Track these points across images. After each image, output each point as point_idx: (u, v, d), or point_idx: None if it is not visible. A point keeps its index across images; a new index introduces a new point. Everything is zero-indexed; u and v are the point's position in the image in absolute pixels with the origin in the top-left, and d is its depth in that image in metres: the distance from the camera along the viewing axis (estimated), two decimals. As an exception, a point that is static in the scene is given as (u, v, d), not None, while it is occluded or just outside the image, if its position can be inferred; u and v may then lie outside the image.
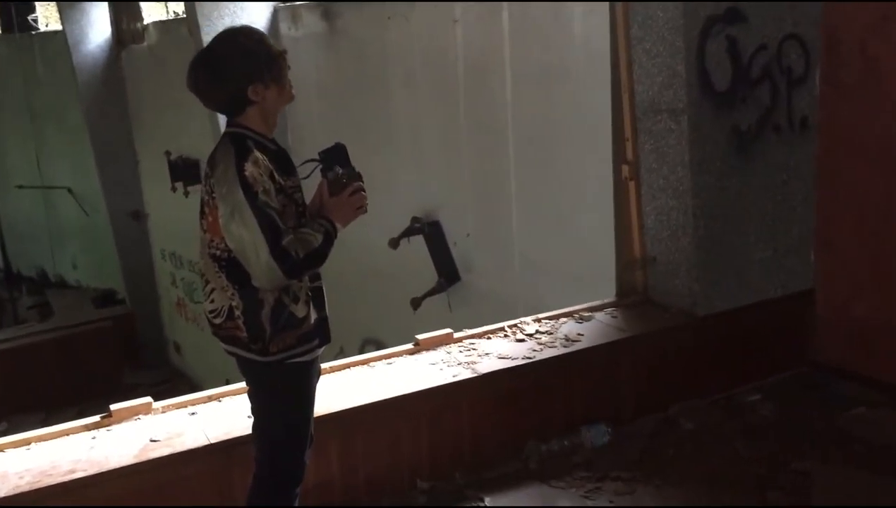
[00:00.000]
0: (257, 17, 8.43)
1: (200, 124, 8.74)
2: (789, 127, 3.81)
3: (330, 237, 2.27)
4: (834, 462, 3.21)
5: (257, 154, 2.20)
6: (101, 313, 13.21)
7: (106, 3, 12.15)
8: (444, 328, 3.74)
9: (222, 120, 2.40)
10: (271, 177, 2.20)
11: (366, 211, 2.36)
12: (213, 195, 2.22)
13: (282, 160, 2.30)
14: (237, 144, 2.22)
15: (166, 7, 12.58)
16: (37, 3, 14.97)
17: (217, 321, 2.34)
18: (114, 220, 12.95)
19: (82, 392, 10.72)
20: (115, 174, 12.67)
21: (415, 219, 6.84)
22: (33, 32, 14.61)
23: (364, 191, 2.33)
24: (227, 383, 3.28)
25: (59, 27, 13.02)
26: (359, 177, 2.33)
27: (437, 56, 6.52)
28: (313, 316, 2.31)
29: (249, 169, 2.16)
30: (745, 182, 3.76)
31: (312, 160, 2.33)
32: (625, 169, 3.95)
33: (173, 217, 11.57)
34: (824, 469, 3.15)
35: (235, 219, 2.15)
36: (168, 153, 11.27)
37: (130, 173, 12.91)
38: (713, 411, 3.70)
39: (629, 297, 4.02)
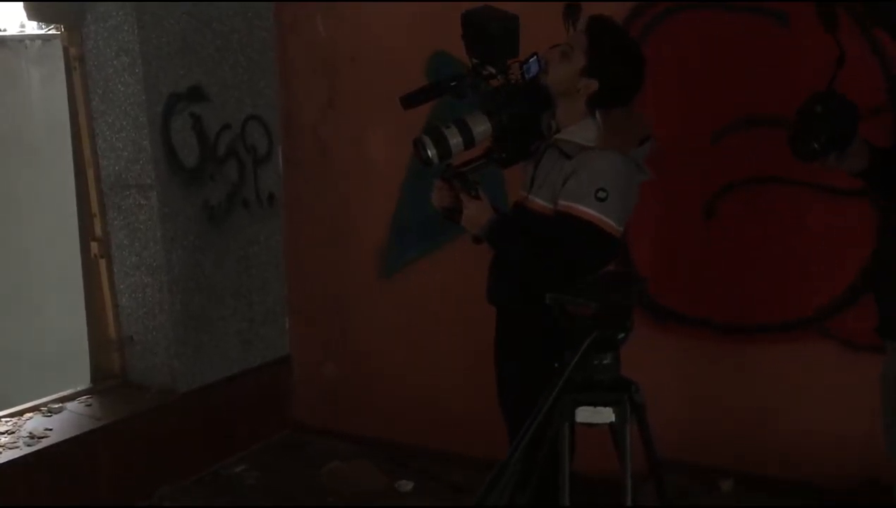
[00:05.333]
0: None
1: None
2: (258, 202, 4.01)
3: None
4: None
5: None
6: None
7: None
8: None
9: None
10: None
11: None
12: None
13: None
14: None
15: None
16: None
17: None
18: None
19: None
20: None
21: None
22: None
23: None
24: None
25: None
26: None
27: None
28: None
29: None
30: (219, 256, 3.83)
31: None
32: (94, 246, 3.74)
33: None
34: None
35: None
36: None
37: None
38: (199, 489, 3.64)
39: (105, 382, 3.78)
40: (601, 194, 2.11)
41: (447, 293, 3.65)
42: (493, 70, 2.22)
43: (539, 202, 2.31)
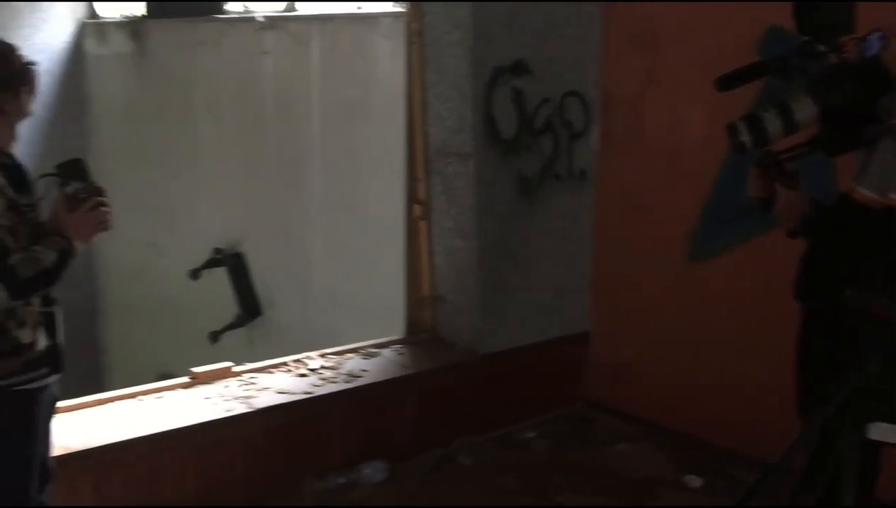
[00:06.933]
0: (59, 31, 7.99)
1: None
2: (570, 176, 4.04)
3: (65, 255, 2.14)
4: (589, 496, 3.37)
5: (-14, 168, 2.07)
6: None
7: None
8: (245, 362, 3.66)
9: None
10: (2, 192, 2.06)
11: (108, 227, 2.23)
12: None
13: (17, 176, 2.16)
14: (-35, 157, 2.08)
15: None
16: None
17: None
18: None
19: None
20: None
21: (217, 250, 6.65)
22: None
23: (106, 206, 2.22)
24: None
25: None
26: (99, 191, 2.21)
27: (247, 86, 6.44)
28: (42, 342, 2.16)
29: (-25, 183, 2.02)
30: (528, 226, 3.94)
31: (49, 175, 2.20)
32: (417, 208, 4.03)
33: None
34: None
35: (-44, 233, 1.99)
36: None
37: None
38: (491, 447, 3.80)
39: (417, 334, 4.07)
40: None
41: (756, 285, 3.42)
42: (824, 48, 2.02)
43: (865, 193, 2.06)
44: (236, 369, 3.59)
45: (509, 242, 3.89)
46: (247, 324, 6.58)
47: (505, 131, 3.79)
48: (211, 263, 6.68)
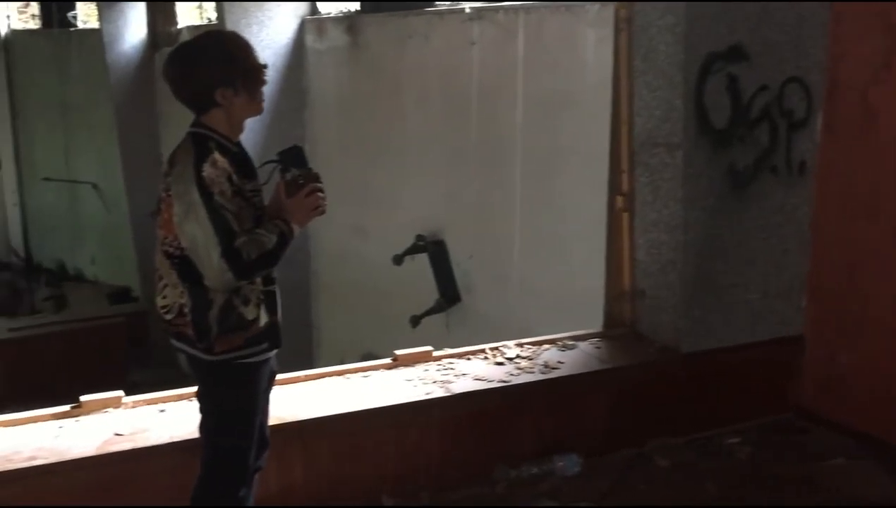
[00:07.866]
0: (284, 27, 8.52)
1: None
2: (787, 170, 3.78)
3: (285, 238, 2.28)
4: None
5: (217, 155, 2.24)
6: (114, 309, 13.26)
7: (143, 5, 12.36)
8: (442, 347, 3.76)
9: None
10: (229, 179, 2.24)
11: (323, 211, 2.36)
12: (170, 192, 2.26)
13: (243, 163, 2.33)
14: (198, 145, 2.26)
15: (200, 14, 12.79)
16: (77, 2, 15.24)
17: (168, 317, 2.37)
18: (133, 219, 13.06)
19: (86, 386, 10.73)
20: (139, 173, 12.76)
21: (419, 237, 6.85)
22: (71, 29, 14.87)
23: (322, 192, 2.35)
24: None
25: (96, 26, 13.25)
26: (316, 177, 2.35)
27: (453, 77, 6.57)
28: (263, 319, 2.32)
29: (207, 170, 2.20)
30: (738, 221, 3.73)
31: (270, 161, 2.35)
32: (619, 200, 3.94)
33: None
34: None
35: (190, 218, 2.18)
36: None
37: (154, 174, 13.03)
38: (690, 450, 3.65)
39: (615, 329, 3.99)
40: None
41: None
42: None
43: None
44: (436, 353, 3.69)
45: (717, 237, 3.70)
46: (445, 310, 6.74)
47: (717, 120, 3.60)
48: (413, 249, 6.89)
